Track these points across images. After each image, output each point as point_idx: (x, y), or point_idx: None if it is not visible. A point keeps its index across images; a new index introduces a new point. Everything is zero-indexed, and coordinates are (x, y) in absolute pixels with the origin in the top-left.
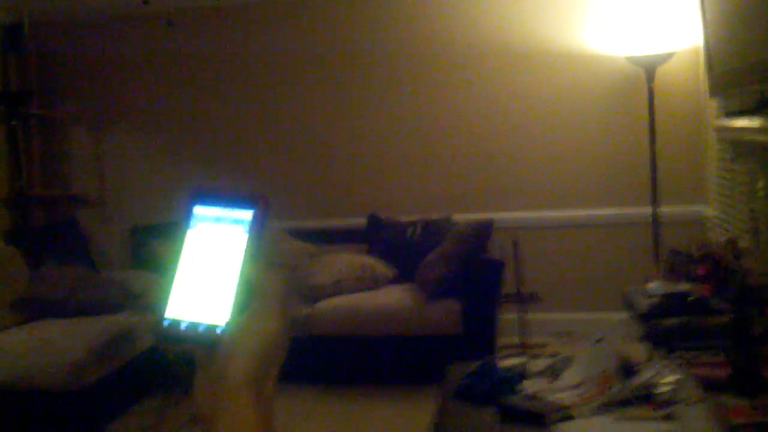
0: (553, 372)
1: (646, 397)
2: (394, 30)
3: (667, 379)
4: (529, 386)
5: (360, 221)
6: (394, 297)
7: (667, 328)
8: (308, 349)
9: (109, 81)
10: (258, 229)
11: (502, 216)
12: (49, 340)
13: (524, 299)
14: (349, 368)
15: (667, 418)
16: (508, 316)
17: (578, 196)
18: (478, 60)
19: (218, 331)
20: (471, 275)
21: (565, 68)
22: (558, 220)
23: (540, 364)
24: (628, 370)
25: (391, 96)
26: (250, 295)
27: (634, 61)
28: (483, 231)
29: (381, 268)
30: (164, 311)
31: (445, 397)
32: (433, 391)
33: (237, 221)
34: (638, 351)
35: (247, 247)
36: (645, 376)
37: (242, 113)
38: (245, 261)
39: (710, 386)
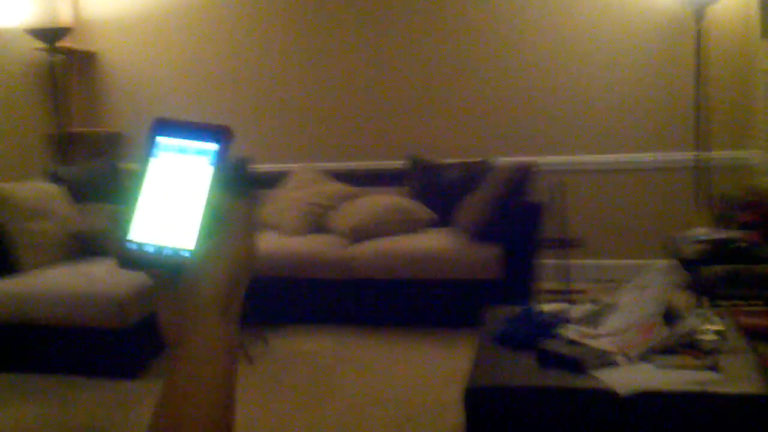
0: (594, 318)
1: (689, 346)
2: None
3: (711, 328)
4: (569, 332)
5: (400, 164)
6: (433, 240)
7: (712, 275)
8: (347, 292)
9: (148, 16)
10: (222, 160)
11: (546, 159)
12: (95, 279)
13: (567, 244)
14: (388, 311)
15: (711, 367)
16: (551, 261)
17: (622, 140)
18: (521, 3)
19: (184, 254)
20: (511, 218)
21: (610, 9)
22: (601, 164)
23: (581, 310)
24: (671, 317)
25: (433, 37)
26: (217, 222)
27: (683, 1)
28: (523, 174)
29: (421, 210)
30: (127, 234)
31: (484, 342)
32: (472, 335)
33: (201, 152)
34: (682, 299)
35: (212, 177)
36: (688, 324)
37: (283, 52)
38: (211, 190)
39: (755, 336)
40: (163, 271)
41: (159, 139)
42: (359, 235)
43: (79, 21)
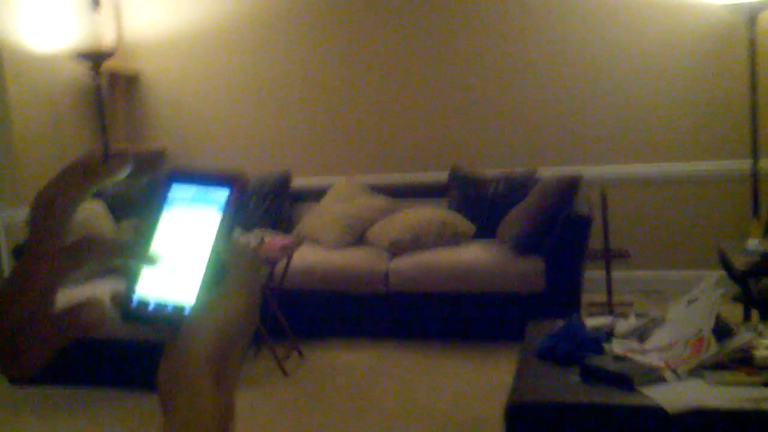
0: (641, 332)
1: (741, 361)
2: None
3: (766, 342)
4: (615, 347)
5: (441, 176)
6: (475, 254)
7: (764, 288)
8: (387, 305)
9: (191, 35)
10: (232, 209)
11: (590, 170)
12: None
13: (612, 256)
14: (429, 325)
15: (765, 383)
16: (594, 273)
17: (670, 149)
18: (567, 8)
19: (185, 310)
20: (556, 232)
21: (658, 16)
22: (648, 173)
23: (628, 324)
24: (723, 332)
25: (475, 46)
26: (219, 274)
27: (734, 7)
28: (569, 185)
29: (462, 223)
30: (134, 289)
31: (526, 357)
32: (514, 350)
33: (211, 201)
34: (734, 312)
35: (219, 226)
36: (741, 338)
37: (323, 66)
38: (217, 240)
39: None
40: (164, 328)
41: (173, 188)
42: (398, 248)
43: (123, 43)
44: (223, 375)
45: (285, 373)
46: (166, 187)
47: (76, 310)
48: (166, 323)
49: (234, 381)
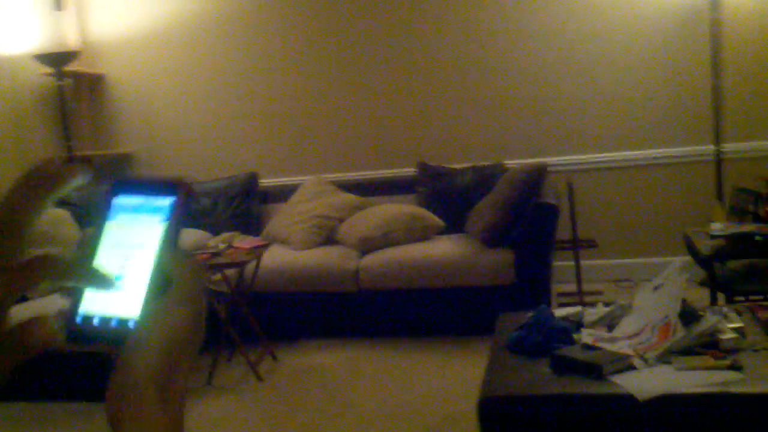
0: (610, 321)
1: (708, 346)
2: None
3: (731, 326)
4: (585, 336)
5: (408, 171)
6: (445, 248)
7: (731, 271)
8: (358, 304)
9: (155, 36)
10: (176, 216)
11: (555, 160)
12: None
13: (580, 245)
14: (399, 322)
15: (732, 366)
16: (562, 263)
17: (634, 137)
18: (527, 1)
19: (130, 324)
20: (524, 222)
21: (619, 2)
22: (613, 161)
23: (596, 312)
24: (689, 316)
25: (438, 40)
26: (164, 285)
27: None
28: (536, 175)
29: (431, 218)
30: (78, 306)
31: (497, 350)
32: (486, 343)
33: (155, 209)
34: (700, 296)
35: (163, 235)
36: (708, 322)
37: (287, 64)
38: (160, 250)
39: None
40: (109, 345)
41: (116, 200)
42: (368, 245)
43: (86, 44)
44: (170, 388)
45: (259, 377)
46: (109, 197)
47: (25, 327)
48: (111, 338)
49: (182, 393)
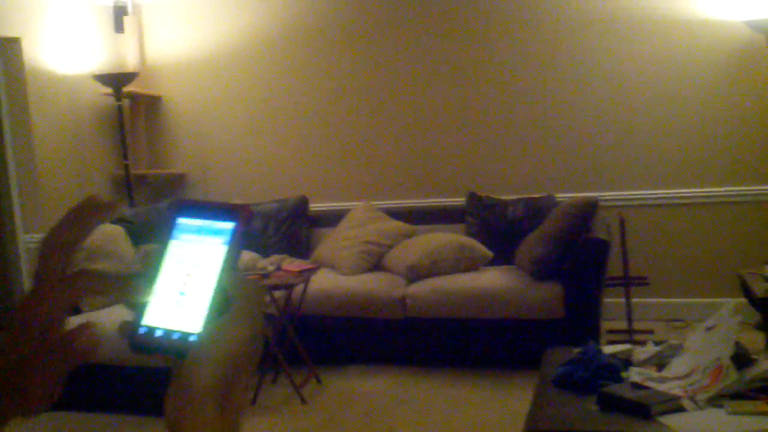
0: (660, 360)
1: (761, 391)
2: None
3: None
4: (633, 375)
5: (458, 200)
6: (493, 279)
7: None
8: (404, 331)
9: (211, 60)
10: (237, 241)
11: (608, 195)
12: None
13: (631, 282)
14: (446, 350)
15: None
16: (613, 300)
17: (690, 173)
18: (581, 30)
19: (191, 339)
20: (575, 256)
21: (677, 36)
22: (667, 198)
23: (646, 351)
24: (742, 360)
25: (492, 70)
26: (225, 305)
27: (755, 25)
28: (587, 209)
29: (480, 248)
30: (141, 318)
31: (543, 384)
32: (532, 377)
33: (217, 232)
34: (754, 340)
35: (225, 257)
36: (761, 367)
37: (342, 91)
38: (222, 271)
39: None
40: (171, 357)
41: (180, 220)
42: (416, 273)
43: (144, 66)
44: (228, 403)
45: (303, 400)
46: (173, 218)
47: (68, 336)
48: (172, 352)
49: (239, 408)
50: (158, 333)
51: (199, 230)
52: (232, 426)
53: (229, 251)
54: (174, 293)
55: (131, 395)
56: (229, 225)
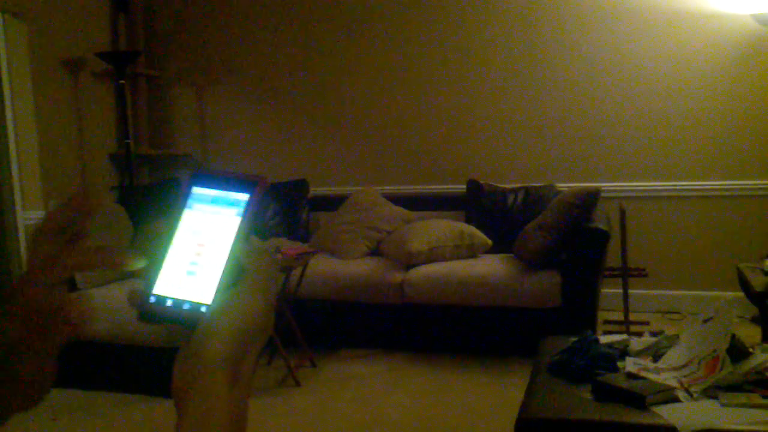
0: (656, 351)
1: (756, 383)
2: None
3: None
4: (629, 365)
5: (459, 188)
6: (491, 267)
7: None
8: (401, 317)
9: (214, 41)
10: (252, 212)
11: (609, 185)
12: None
13: (630, 274)
14: (442, 337)
15: None
16: (611, 290)
17: (691, 166)
18: (585, 21)
19: (202, 309)
20: (574, 246)
21: (681, 29)
22: (669, 190)
23: (642, 342)
24: (738, 352)
25: (496, 58)
26: (237, 276)
27: (762, 19)
28: (589, 199)
29: (479, 236)
30: (151, 288)
31: (538, 372)
32: (528, 365)
33: (232, 203)
34: (751, 333)
35: (239, 228)
36: (757, 359)
37: (344, 76)
38: (235, 242)
39: None
40: (180, 327)
41: (194, 190)
42: (414, 259)
43: (147, 45)
44: (237, 376)
45: (297, 382)
46: (188, 188)
47: (61, 309)
48: (182, 322)
49: (248, 382)
50: (168, 303)
51: (213, 200)
52: (241, 398)
53: (243, 222)
54: (186, 263)
55: (137, 375)
56: (244, 196)
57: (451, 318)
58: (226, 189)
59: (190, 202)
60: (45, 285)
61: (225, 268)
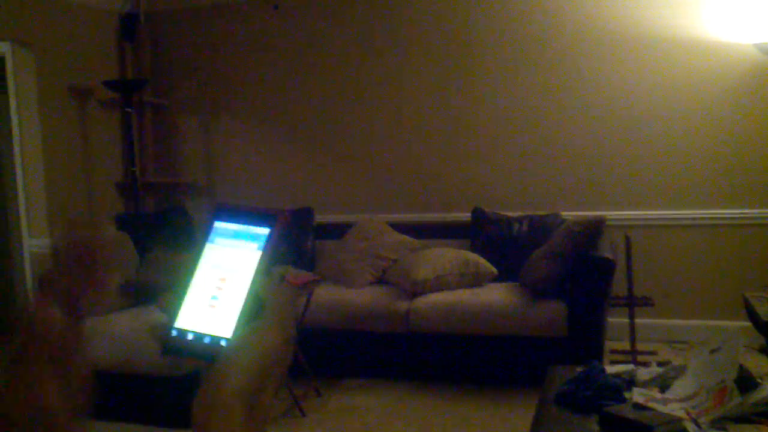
0: (663, 381)
1: (766, 415)
2: (497, 16)
3: None
4: (636, 395)
5: (464, 216)
6: (497, 295)
7: None
8: (406, 345)
9: (220, 70)
10: (272, 246)
11: (614, 214)
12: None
13: (635, 303)
14: (448, 366)
15: None
16: (617, 320)
17: (696, 194)
18: (589, 49)
19: (222, 343)
20: (579, 275)
21: (684, 57)
22: (674, 219)
23: (649, 372)
24: (746, 383)
25: (499, 86)
26: (257, 310)
27: (765, 48)
28: (594, 228)
29: (484, 264)
30: (174, 321)
31: (545, 402)
32: (533, 395)
33: (253, 237)
34: (759, 362)
35: (259, 263)
36: (766, 390)
37: (349, 105)
38: (256, 276)
39: None
40: (201, 360)
41: (216, 224)
42: (420, 288)
43: (154, 73)
44: (256, 407)
45: (302, 412)
46: (210, 222)
47: (75, 339)
48: (203, 355)
49: (266, 414)
50: (189, 336)
51: (235, 234)
52: (258, 430)
53: (264, 257)
54: (207, 297)
55: (157, 406)
56: (265, 230)
57: (457, 347)
58: (247, 223)
59: (212, 236)
60: (62, 321)
61: (245, 302)
